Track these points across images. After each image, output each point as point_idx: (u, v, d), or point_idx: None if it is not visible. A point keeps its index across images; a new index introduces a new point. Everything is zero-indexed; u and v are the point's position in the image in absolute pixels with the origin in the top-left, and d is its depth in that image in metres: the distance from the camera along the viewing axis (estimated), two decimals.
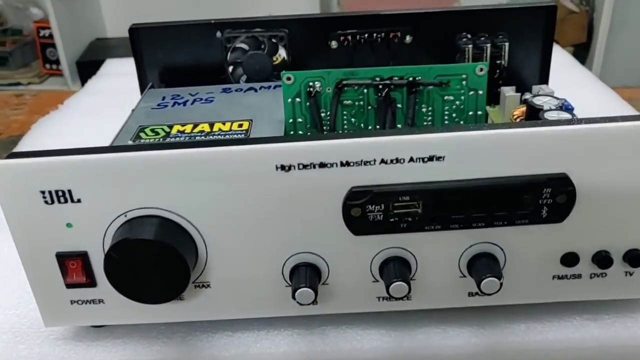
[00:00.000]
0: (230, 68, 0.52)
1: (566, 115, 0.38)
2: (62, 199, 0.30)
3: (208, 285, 0.33)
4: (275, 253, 0.32)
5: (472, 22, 0.51)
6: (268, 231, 0.31)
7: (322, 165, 0.29)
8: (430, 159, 0.29)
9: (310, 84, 0.41)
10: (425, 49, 0.51)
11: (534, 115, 0.40)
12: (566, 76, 0.59)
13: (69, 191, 0.30)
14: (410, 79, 0.41)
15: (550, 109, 0.39)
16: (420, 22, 0.50)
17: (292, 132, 0.42)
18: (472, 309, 0.34)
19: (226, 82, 0.52)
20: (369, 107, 0.42)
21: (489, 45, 0.50)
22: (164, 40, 0.51)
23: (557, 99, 0.41)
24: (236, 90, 0.49)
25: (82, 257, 0.32)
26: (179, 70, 0.52)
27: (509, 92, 0.48)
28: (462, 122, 0.42)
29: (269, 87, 0.49)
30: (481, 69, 0.41)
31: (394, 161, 0.29)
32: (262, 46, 0.51)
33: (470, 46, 0.50)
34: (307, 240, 0.31)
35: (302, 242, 0.31)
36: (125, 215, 0.30)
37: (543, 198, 0.30)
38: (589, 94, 0.61)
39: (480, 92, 0.41)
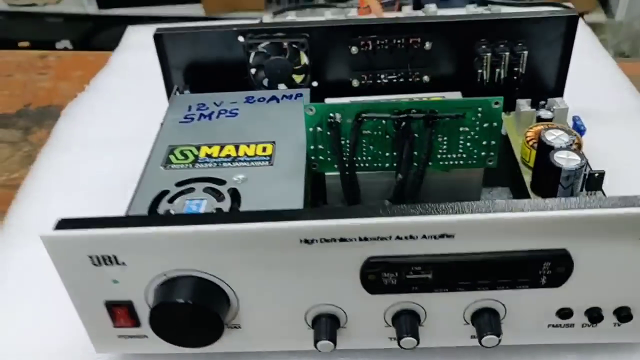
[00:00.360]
0: (253, 70, 0.53)
1: (575, 160, 0.40)
2: (107, 262, 0.33)
3: (239, 327, 0.37)
4: (299, 304, 0.35)
5: (492, 30, 0.51)
6: (293, 288, 0.35)
7: (342, 239, 0.32)
8: (442, 236, 0.32)
9: (331, 115, 0.43)
10: (443, 54, 0.52)
11: (544, 152, 0.42)
12: (584, 71, 0.59)
13: (114, 256, 0.33)
14: (428, 111, 0.42)
15: (561, 148, 0.41)
16: (440, 30, 0.51)
17: (313, 158, 0.45)
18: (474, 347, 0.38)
19: (248, 83, 0.53)
20: (387, 137, 0.44)
21: (507, 53, 0.51)
22: (187, 45, 0.52)
23: (569, 133, 0.42)
24: (259, 100, 0.50)
25: (128, 305, 0.35)
26: (203, 72, 0.53)
27: (524, 106, 0.50)
28: (476, 152, 0.44)
29: (290, 96, 0.51)
30: (496, 103, 0.42)
31: (408, 237, 0.32)
32: (284, 51, 0.52)
33: (489, 54, 0.51)
34: (327, 295, 0.35)
35: (323, 297, 0.35)
36: (165, 275, 0.34)
37: (543, 269, 0.33)
38: (605, 95, 0.61)
39: (495, 124, 0.43)
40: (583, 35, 0.72)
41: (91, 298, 0.35)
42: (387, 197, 0.46)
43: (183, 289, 0.34)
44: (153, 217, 0.36)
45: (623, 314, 0.35)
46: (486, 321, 0.35)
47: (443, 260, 0.33)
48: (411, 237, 0.32)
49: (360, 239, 0.32)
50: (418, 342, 0.35)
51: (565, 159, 0.40)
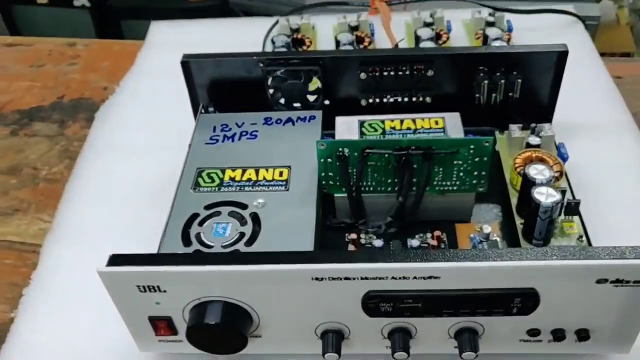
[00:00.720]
0: (271, 91, 0.58)
1: (553, 197, 0.46)
2: (152, 290, 0.40)
3: (260, 336, 0.44)
4: (310, 321, 0.42)
5: (489, 61, 0.56)
6: (305, 310, 0.41)
7: (347, 278, 0.39)
8: (430, 277, 0.38)
9: (340, 149, 0.49)
10: (445, 79, 0.57)
11: (527, 186, 0.48)
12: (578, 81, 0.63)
13: (157, 286, 0.40)
14: (426, 148, 0.48)
15: (542, 184, 0.47)
16: (442, 61, 0.56)
17: (324, 182, 0.51)
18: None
19: (266, 102, 0.59)
20: (390, 167, 0.49)
21: (503, 81, 0.56)
22: (211, 69, 0.58)
23: (552, 165, 0.48)
24: (276, 122, 0.56)
25: (168, 320, 0.43)
26: (226, 91, 0.59)
27: (515, 132, 0.55)
28: (468, 180, 0.50)
29: (305, 118, 0.56)
30: (487, 142, 0.47)
31: (402, 278, 0.38)
32: (299, 76, 0.57)
33: (487, 81, 0.56)
34: (334, 316, 0.42)
35: (330, 316, 0.42)
36: (199, 299, 0.41)
37: (514, 303, 0.39)
38: (595, 107, 0.65)
39: (485, 158, 0.48)
40: (581, 40, 0.76)
41: (137, 314, 0.42)
42: (389, 215, 0.52)
43: (213, 311, 0.41)
44: (190, 257, 0.43)
45: (582, 335, 0.42)
46: (466, 339, 0.41)
47: (430, 295, 0.39)
48: (404, 277, 0.38)
49: (361, 278, 0.39)
50: (409, 355, 0.42)
51: (544, 195, 0.46)
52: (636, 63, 0.81)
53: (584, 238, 0.48)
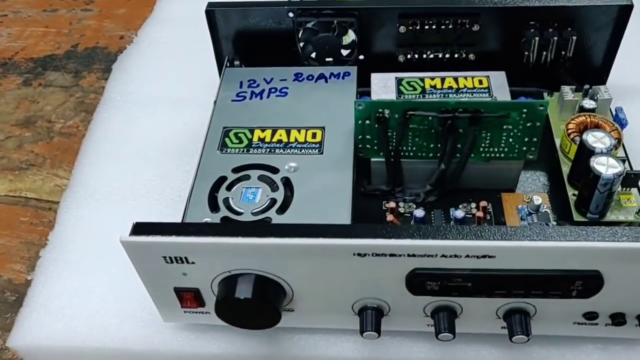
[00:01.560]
0: (302, 44, 0.54)
1: (614, 168, 0.42)
2: (179, 261, 0.37)
3: (292, 310, 0.41)
4: (347, 297, 0.39)
5: (542, 15, 0.51)
6: (343, 285, 0.38)
7: (392, 255, 0.35)
8: (484, 256, 0.35)
9: (380, 110, 0.45)
10: (491, 35, 0.53)
11: (584, 155, 0.44)
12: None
13: (185, 257, 0.37)
14: (474, 111, 0.44)
15: (602, 152, 0.43)
16: (489, 15, 0.51)
17: (360, 146, 0.47)
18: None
19: (296, 56, 0.55)
20: (432, 131, 0.45)
21: (555, 38, 0.51)
22: (238, 19, 0.53)
23: (610, 132, 0.44)
24: (307, 78, 0.52)
25: (195, 292, 0.40)
26: (253, 43, 0.55)
27: (567, 94, 0.51)
28: (517, 146, 0.46)
29: (338, 75, 0.52)
30: (541, 106, 0.43)
31: (452, 256, 0.35)
32: (332, 29, 0.53)
33: (537, 38, 0.51)
34: (374, 292, 0.39)
35: (370, 292, 0.39)
36: (230, 272, 0.38)
37: (575, 286, 0.36)
38: None
39: (538, 123, 0.44)
40: None
41: (162, 285, 0.40)
42: (429, 183, 0.48)
43: (244, 285, 0.37)
44: (220, 226, 0.39)
45: None
46: (517, 321, 0.38)
47: (483, 274, 0.36)
48: (455, 255, 0.35)
49: (408, 255, 0.35)
50: (454, 337, 0.39)
51: (605, 166, 0.42)
52: None
53: None
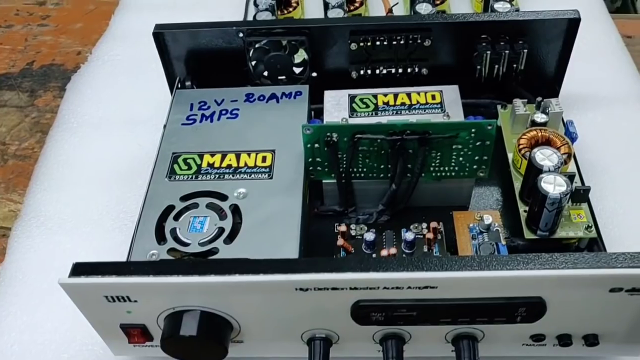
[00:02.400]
0: (253, 63, 0.53)
1: (560, 186, 0.42)
2: (121, 300, 0.37)
3: (242, 342, 0.41)
4: (295, 328, 0.39)
5: (493, 30, 0.51)
6: (289, 318, 0.38)
7: (334, 288, 0.35)
8: (426, 287, 0.35)
9: (328, 134, 0.44)
10: (443, 50, 0.52)
11: (532, 172, 0.44)
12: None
13: (127, 296, 0.36)
14: (422, 132, 0.43)
15: (550, 171, 0.43)
16: (440, 30, 0.51)
17: (311, 169, 0.46)
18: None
19: (248, 75, 0.54)
20: (382, 152, 0.45)
21: (507, 52, 0.51)
22: (187, 40, 0.52)
23: (558, 156, 0.44)
24: (259, 99, 0.51)
25: (141, 327, 0.39)
26: (204, 63, 0.54)
27: (519, 108, 0.50)
28: (467, 165, 0.45)
29: (290, 94, 0.52)
30: (489, 126, 0.43)
31: (395, 288, 0.35)
32: (283, 47, 0.52)
33: (489, 52, 0.51)
34: (321, 323, 0.38)
35: (317, 323, 0.38)
36: (174, 309, 0.37)
37: (519, 312, 0.36)
38: (605, 75, 0.60)
39: (487, 142, 0.44)
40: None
41: (107, 322, 0.39)
42: (381, 203, 0.48)
43: (189, 322, 0.37)
44: (160, 264, 0.39)
45: (591, 340, 0.38)
46: (465, 346, 0.38)
47: (427, 304, 0.36)
48: (397, 287, 0.35)
49: (350, 288, 0.35)
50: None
51: (552, 185, 0.42)
52: None
53: (593, 228, 0.44)
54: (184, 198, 0.45)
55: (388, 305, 0.36)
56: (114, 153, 0.58)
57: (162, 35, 0.52)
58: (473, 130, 0.43)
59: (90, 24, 0.81)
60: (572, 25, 0.49)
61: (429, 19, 0.50)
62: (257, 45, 0.52)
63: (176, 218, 0.44)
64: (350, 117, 0.50)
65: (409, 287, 0.35)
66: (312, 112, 0.55)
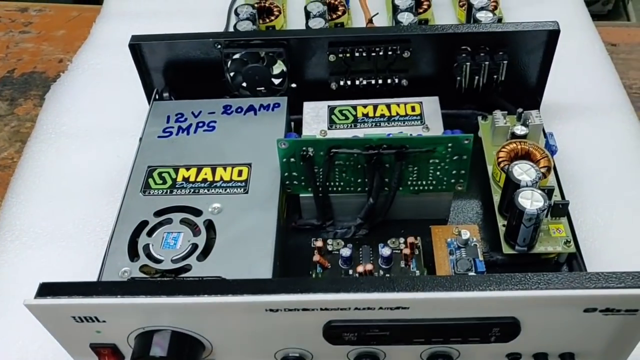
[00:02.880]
0: (232, 74, 0.53)
1: (538, 202, 0.41)
2: (90, 320, 0.36)
3: None
4: (268, 347, 0.38)
5: (473, 41, 0.50)
6: (262, 337, 0.37)
7: (305, 309, 0.34)
8: (397, 308, 0.34)
9: (304, 149, 0.44)
10: (422, 61, 0.52)
11: (510, 187, 0.43)
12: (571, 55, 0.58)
13: (95, 317, 0.36)
14: (399, 147, 0.43)
15: (527, 186, 0.42)
16: (420, 41, 0.50)
17: (287, 183, 0.46)
18: None
19: (226, 86, 0.53)
20: (359, 166, 0.45)
21: (487, 63, 0.50)
22: (164, 51, 0.52)
23: (536, 170, 0.43)
24: (236, 111, 0.51)
25: (112, 347, 0.39)
26: (182, 74, 0.53)
27: (499, 120, 0.50)
28: (445, 179, 0.45)
29: (268, 106, 0.51)
30: (467, 140, 0.42)
31: (366, 308, 0.34)
32: (261, 58, 0.51)
33: (469, 64, 0.50)
34: (294, 342, 0.38)
35: (290, 343, 0.38)
36: (144, 329, 0.37)
37: (492, 332, 0.35)
38: (588, 84, 0.60)
39: (465, 157, 0.43)
40: (572, 3, 0.70)
41: (77, 342, 0.38)
42: (359, 216, 0.47)
43: (159, 343, 0.36)
44: (129, 285, 0.38)
45: (567, 359, 0.38)
46: None
47: (399, 325, 0.35)
48: (369, 308, 0.34)
49: (321, 309, 0.34)
50: None
51: (529, 200, 0.41)
52: (631, 29, 0.75)
53: (572, 242, 0.44)
54: (158, 213, 0.44)
55: (360, 325, 0.35)
56: (92, 165, 0.57)
57: (138, 47, 0.51)
58: (450, 144, 0.43)
59: (72, 31, 0.80)
60: (552, 36, 0.49)
61: (408, 30, 0.50)
62: (234, 57, 0.51)
63: (150, 234, 0.43)
64: (329, 129, 0.49)
65: (381, 308, 0.34)
66: (292, 123, 0.54)
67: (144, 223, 0.44)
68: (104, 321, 0.36)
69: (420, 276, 0.39)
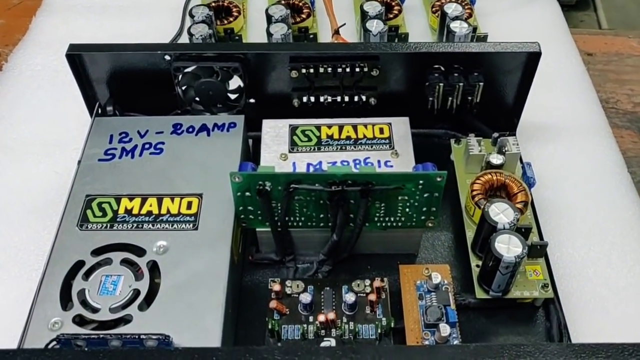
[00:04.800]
0: (182, 88, 0.48)
1: (516, 249, 0.38)
2: None
3: None
4: None
5: (446, 60, 0.46)
6: None
7: None
8: None
9: (260, 183, 0.39)
10: (392, 79, 0.48)
11: (486, 228, 0.40)
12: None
13: None
14: (364, 183, 0.39)
15: (504, 229, 0.39)
16: (389, 59, 0.46)
17: (242, 217, 0.41)
18: None
19: (176, 100, 0.48)
20: (321, 202, 0.40)
21: (461, 84, 0.46)
22: (108, 63, 0.46)
23: (514, 210, 0.40)
24: (187, 130, 0.46)
25: None
26: (128, 87, 0.48)
27: (474, 148, 0.46)
28: (415, 216, 0.41)
29: (222, 126, 0.46)
30: (439, 177, 0.39)
31: None
32: (215, 73, 0.46)
33: (442, 84, 0.47)
34: None
35: None
36: None
37: None
38: (566, 104, 0.57)
39: (436, 194, 0.40)
40: (550, 11, 0.67)
41: None
42: (322, 252, 0.43)
43: None
44: (55, 355, 0.33)
45: None
46: None
47: None
48: None
49: None
50: None
51: (506, 246, 0.38)
52: (608, 37, 0.72)
53: (549, 287, 0.41)
54: (96, 252, 0.39)
55: None
56: (27, 182, 0.51)
57: (78, 57, 0.45)
58: (421, 181, 0.39)
59: (13, 20, 0.73)
60: (532, 58, 0.45)
61: (376, 48, 0.45)
62: (185, 70, 0.46)
63: (86, 276, 0.38)
64: (290, 151, 0.45)
65: None
66: (251, 141, 0.50)
67: (80, 263, 0.39)
68: None
69: (388, 347, 0.35)
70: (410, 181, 0.39)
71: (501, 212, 0.40)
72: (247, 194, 0.40)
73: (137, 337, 0.34)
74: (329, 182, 0.39)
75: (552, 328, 0.41)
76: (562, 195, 0.49)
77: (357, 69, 0.46)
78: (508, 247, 0.38)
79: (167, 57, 0.46)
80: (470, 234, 0.43)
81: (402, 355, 0.30)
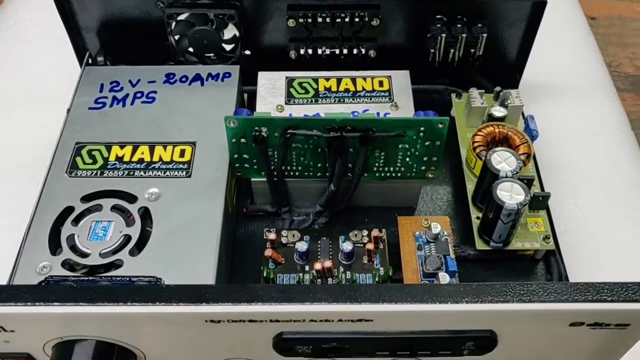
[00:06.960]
0: (175, 38, 0.46)
1: (518, 196, 0.37)
2: None
3: None
4: (213, 356, 0.33)
5: (449, 10, 0.45)
6: (203, 347, 0.32)
7: (252, 320, 0.29)
8: (360, 320, 0.29)
9: (257, 128, 0.38)
10: (393, 30, 0.47)
11: (488, 177, 0.39)
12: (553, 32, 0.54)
13: (1, 326, 0.30)
14: (364, 129, 0.38)
15: (506, 177, 0.38)
16: (390, 7, 0.45)
17: (237, 166, 0.40)
18: None
19: (169, 51, 0.47)
20: (319, 150, 0.39)
21: (464, 35, 0.45)
22: (98, 7, 0.45)
23: (517, 159, 0.39)
24: (180, 80, 0.45)
25: (26, 356, 0.33)
26: (120, 35, 0.47)
27: (475, 100, 0.45)
28: (415, 166, 0.40)
29: (217, 76, 0.45)
30: (441, 124, 0.38)
31: (324, 320, 0.29)
32: (210, 21, 0.45)
33: (444, 35, 0.45)
34: (240, 352, 0.33)
35: (236, 352, 0.33)
36: (62, 339, 0.31)
37: (466, 346, 0.31)
38: (570, 63, 0.55)
39: (438, 142, 0.39)
40: None
41: None
42: (319, 203, 0.42)
43: (81, 355, 0.31)
44: (41, 290, 0.32)
45: None
46: None
47: (361, 337, 0.30)
48: (327, 320, 0.29)
49: (271, 321, 0.29)
50: None
51: (508, 194, 0.37)
52: (611, 1, 0.71)
53: (551, 239, 0.40)
54: (85, 198, 0.38)
55: (316, 338, 0.30)
56: (16, 137, 0.50)
57: (67, 3, 0.44)
58: (422, 128, 0.38)
59: None
60: (536, 8, 0.44)
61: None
62: (179, 18, 0.45)
63: (75, 222, 0.37)
64: (286, 103, 0.44)
65: (341, 320, 0.29)
66: (245, 95, 0.48)
67: (69, 209, 0.38)
68: (12, 331, 0.30)
69: (387, 285, 0.34)
70: (411, 127, 0.38)
71: (503, 161, 0.39)
72: (243, 140, 0.39)
73: (127, 279, 0.33)
74: (327, 128, 0.38)
75: (552, 280, 0.40)
76: (565, 152, 0.48)
77: (357, 19, 0.45)
78: (510, 194, 0.37)
79: (160, 5, 0.44)
80: (470, 187, 0.42)
81: (402, 292, 0.29)
